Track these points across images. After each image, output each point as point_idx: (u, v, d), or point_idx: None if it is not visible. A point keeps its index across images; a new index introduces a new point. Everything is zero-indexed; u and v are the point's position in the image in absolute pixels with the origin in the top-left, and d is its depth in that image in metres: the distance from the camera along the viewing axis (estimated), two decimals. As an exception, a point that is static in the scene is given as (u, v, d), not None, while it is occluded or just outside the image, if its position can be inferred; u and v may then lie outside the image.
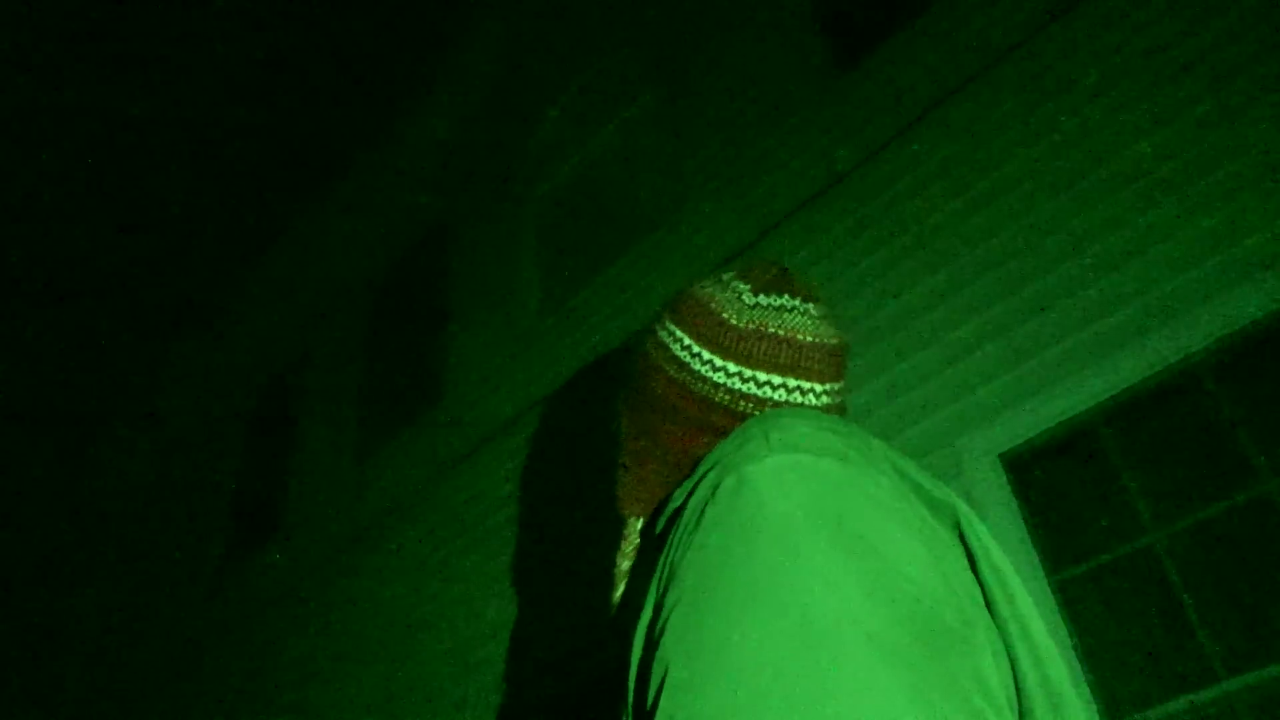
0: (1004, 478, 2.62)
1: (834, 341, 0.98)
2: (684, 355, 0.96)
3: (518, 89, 5.93)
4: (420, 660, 4.17)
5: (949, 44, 3.48)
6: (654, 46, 5.05)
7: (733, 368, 0.93)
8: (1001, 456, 2.65)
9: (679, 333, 0.98)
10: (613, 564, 1.01)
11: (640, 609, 0.78)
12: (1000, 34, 3.30)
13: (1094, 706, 2.17)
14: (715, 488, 0.72)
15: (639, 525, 1.00)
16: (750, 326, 0.95)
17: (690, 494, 0.77)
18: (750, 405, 0.92)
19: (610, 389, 4.07)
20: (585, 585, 3.56)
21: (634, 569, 0.98)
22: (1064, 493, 2.55)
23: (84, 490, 8.46)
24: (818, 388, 0.94)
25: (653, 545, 0.89)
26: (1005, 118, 3.17)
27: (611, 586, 0.98)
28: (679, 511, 0.79)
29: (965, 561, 0.74)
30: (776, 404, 0.92)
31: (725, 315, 0.96)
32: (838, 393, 0.98)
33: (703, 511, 0.71)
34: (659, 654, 0.66)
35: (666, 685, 0.62)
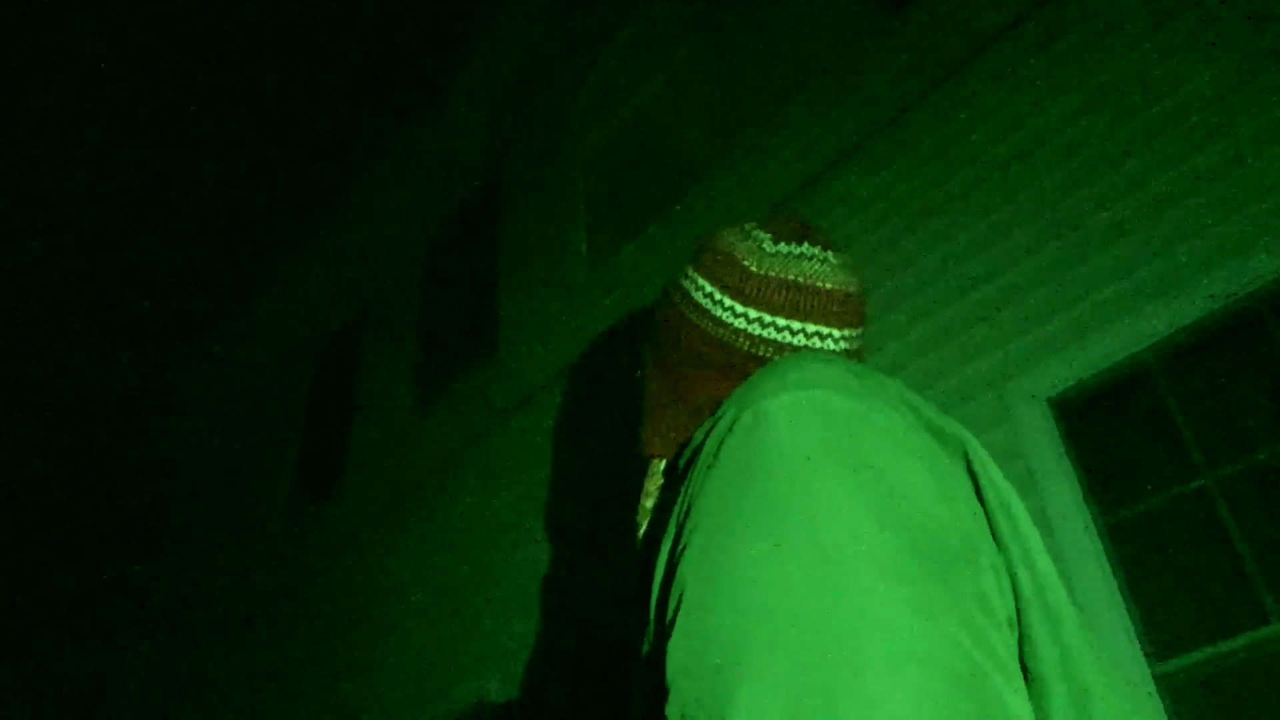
0: (1053, 421, 2.57)
1: (852, 289, 1.01)
2: (706, 302, 0.99)
3: (566, 42, 5.90)
4: (481, 602, 4.27)
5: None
6: (701, -8, 4.97)
7: (753, 314, 0.97)
8: (1050, 400, 2.61)
9: (701, 280, 1.01)
10: (637, 503, 1.05)
11: (662, 540, 0.82)
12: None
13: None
14: (734, 422, 0.75)
15: (661, 466, 1.04)
16: (771, 274, 0.98)
17: (710, 431, 0.81)
18: (771, 350, 0.96)
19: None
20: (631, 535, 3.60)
21: (657, 506, 1.02)
22: (1114, 436, 2.51)
23: (154, 446, 8.77)
24: (836, 333, 0.98)
25: (675, 482, 0.92)
26: (1057, 56, 3.07)
27: (635, 525, 1.02)
28: (700, 448, 0.82)
29: (972, 491, 0.77)
30: (796, 349, 0.96)
31: (746, 263, 0.99)
32: (856, 339, 1.01)
33: (721, 444, 0.75)
34: (677, 577, 0.69)
35: (684, 604, 0.66)
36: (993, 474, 0.78)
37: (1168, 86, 2.71)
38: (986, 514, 0.75)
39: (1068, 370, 2.59)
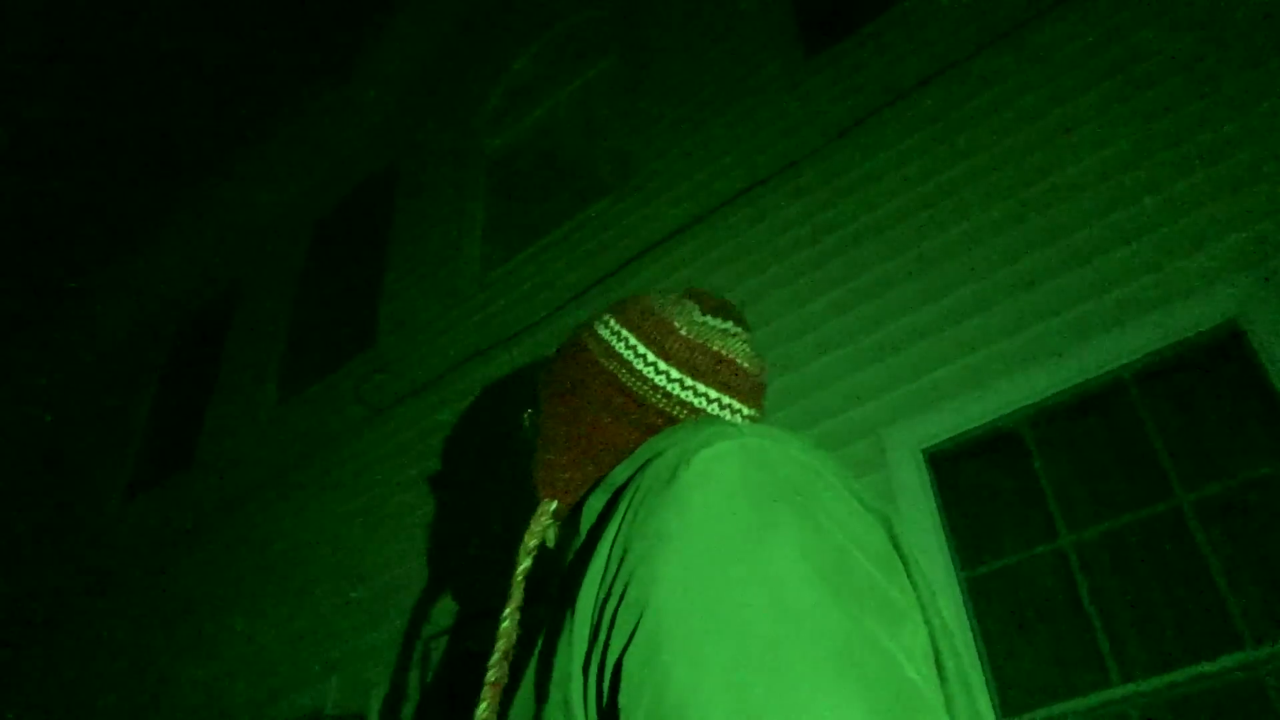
0: (925, 472, 2.63)
1: (762, 375, 1.06)
2: (628, 354, 1.01)
3: (481, 39, 5.80)
4: (330, 605, 4.09)
5: (921, 37, 3.48)
6: (622, 9, 4.97)
7: (675, 373, 0.99)
8: (924, 451, 2.67)
9: (625, 332, 1.03)
10: (519, 541, 1.03)
11: (579, 579, 0.80)
12: (973, 32, 3.30)
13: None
14: (690, 456, 0.75)
15: (551, 507, 1.03)
16: (698, 340, 1.01)
17: (640, 470, 0.82)
18: (685, 411, 0.98)
19: (548, 349, 4.02)
20: (502, 546, 3.51)
21: (560, 546, 1.03)
22: (981, 492, 2.58)
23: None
24: (745, 410, 1.01)
25: (587, 520, 0.93)
26: (962, 119, 3.18)
27: (515, 564, 0.99)
28: (626, 486, 0.83)
29: (900, 564, 0.79)
30: (709, 416, 0.99)
31: (677, 324, 1.02)
32: (757, 420, 1.05)
33: (672, 477, 0.74)
34: (626, 606, 0.68)
35: (641, 634, 0.65)
36: (915, 551, 0.81)
37: (1062, 161, 2.83)
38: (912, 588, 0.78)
39: (943, 424, 2.65)
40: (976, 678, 0.76)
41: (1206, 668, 2.03)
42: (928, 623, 0.73)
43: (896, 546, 0.78)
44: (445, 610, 3.64)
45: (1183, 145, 2.59)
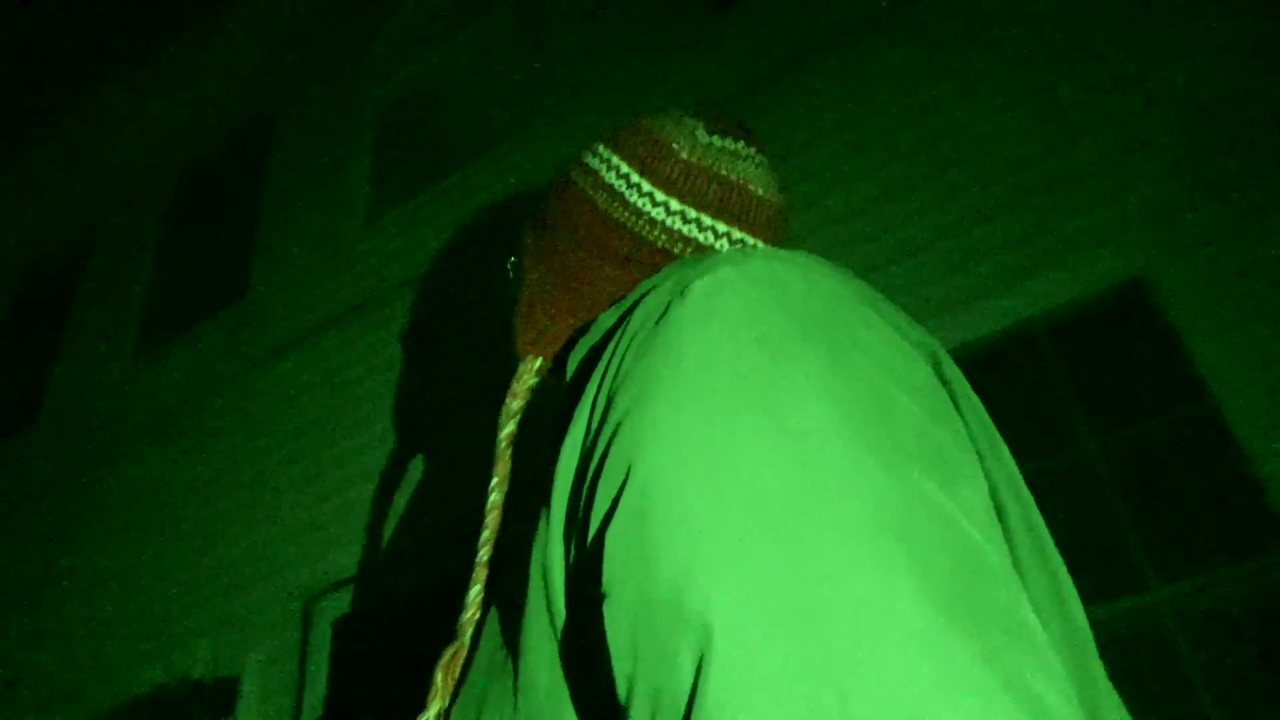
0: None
1: (782, 203, 0.92)
2: (619, 184, 0.87)
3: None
4: (197, 568, 3.82)
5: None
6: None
7: (675, 205, 0.85)
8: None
9: (615, 160, 0.89)
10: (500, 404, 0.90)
11: (559, 444, 0.68)
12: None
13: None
14: (684, 289, 0.62)
15: (535, 365, 0.89)
16: (703, 164, 0.87)
17: (627, 313, 0.68)
18: (688, 249, 0.85)
19: (434, 304, 3.85)
20: (385, 497, 3.36)
21: (539, 404, 0.90)
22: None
23: None
24: (760, 246, 0.87)
25: (576, 369, 0.79)
26: (874, 77, 3.18)
27: (498, 429, 0.86)
28: (612, 331, 0.70)
29: (951, 403, 0.66)
30: (716, 254, 0.83)
31: (675, 146, 0.88)
32: None
33: (666, 311, 0.62)
34: (608, 471, 0.56)
35: (632, 484, 0.53)
36: (968, 389, 0.69)
37: (974, 119, 2.86)
38: (967, 432, 0.65)
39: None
40: (1042, 522, 0.65)
41: (1110, 608, 2.09)
42: (987, 473, 0.62)
43: (946, 385, 0.66)
44: (327, 569, 3.45)
45: (1092, 106, 2.64)
